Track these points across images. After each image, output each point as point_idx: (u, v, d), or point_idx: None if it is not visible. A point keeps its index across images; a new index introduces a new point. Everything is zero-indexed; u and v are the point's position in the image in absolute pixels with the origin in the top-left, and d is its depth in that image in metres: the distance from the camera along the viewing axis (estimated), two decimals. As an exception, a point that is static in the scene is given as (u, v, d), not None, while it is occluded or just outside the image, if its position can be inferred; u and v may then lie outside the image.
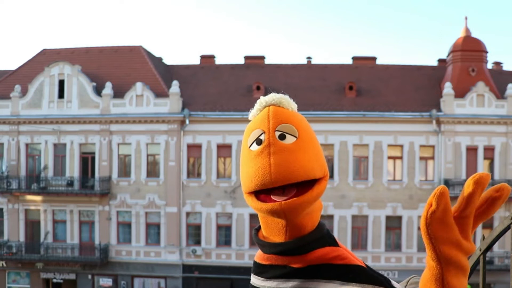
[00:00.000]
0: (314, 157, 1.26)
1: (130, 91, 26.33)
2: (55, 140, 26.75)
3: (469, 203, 1.18)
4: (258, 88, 26.84)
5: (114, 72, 27.72)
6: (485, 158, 25.25)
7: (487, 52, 26.64)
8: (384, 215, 25.41)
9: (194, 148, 26.34)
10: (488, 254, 20.59)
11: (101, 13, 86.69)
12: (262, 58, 29.94)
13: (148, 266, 26.10)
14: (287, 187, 1.22)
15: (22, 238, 26.80)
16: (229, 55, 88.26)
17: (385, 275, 1.30)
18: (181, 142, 26.14)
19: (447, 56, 27.53)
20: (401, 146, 25.54)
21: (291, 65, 29.33)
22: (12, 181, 26.41)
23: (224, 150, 26.18)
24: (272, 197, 1.22)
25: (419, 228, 24.25)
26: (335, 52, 78.61)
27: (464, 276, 1.19)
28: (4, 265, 26.87)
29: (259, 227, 1.39)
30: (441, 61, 29.17)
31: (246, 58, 29.89)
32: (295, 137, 1.24)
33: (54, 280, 26.76)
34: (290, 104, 1.32)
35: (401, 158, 25.65)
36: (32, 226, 27.14)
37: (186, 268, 26.00)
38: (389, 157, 25.68)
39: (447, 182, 24.59)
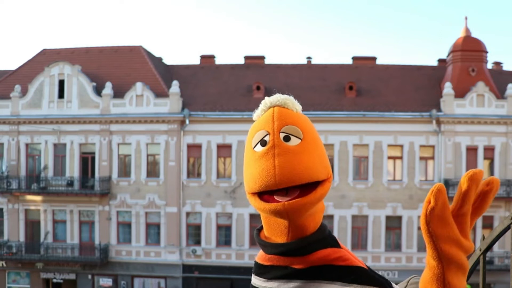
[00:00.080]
0: (318, 159, 1.26)
1: (130, 91, 26.33)
2: (55, 140, 26.75)
3: (466, 200, 1.20)
4: (258, 88, 26.84)
5: (114, 72, 27.72)
6: (485, 158, 25.25)
7: (487, 52, 26.64)
8: (384, 215, 25.41)
9: (194, 148, 26.34)
10: (488, 254, 20.60)
11: (101, 13, 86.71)
12: (262, 58, 29.94)
13: (148, 266, 26.10)
14: (290, 188, 1.22)
15: (22, 238, 26.80)
16: (229, 55, 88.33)
17: (385, 275, 1.30)
18: (181, 142, 26.13)
19: (447, 56, 27.53)
20: (401, 146, 25.55)
21: (291, 65, 29.33)
22: (12, 181, 26.41)
23: (224, 150, 26.18)
24: (275, 198, 1.22)
25: (419, 228, 24.16)
26: (335, 52, 78.65)
27: (464, 276, 1.19)
28: (4, 265, 26.87)
29: (261, 228, 1.39)
30: (441, 61, 29.16)
31: (246, 58, 29.89)
32: (300, 138, 1.25)
33: (54, 280, 26.76)
34: (294, 105, 1.32)
35: (401, 158, 25.65)
36: (32, 226, 27.14)
37: (186, 268, 26.00)
38: (389, 157, 25.68)
39: (447, 182, 24.58)
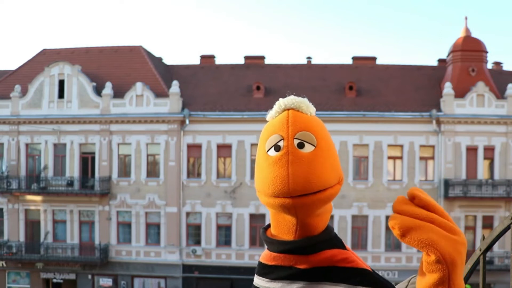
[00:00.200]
0: (330, 166, 1.27)
1: (130, 91, 26.33)
2: (55, 140, 26.75)
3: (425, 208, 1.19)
4: (258, 88, 26.84)
5: (114, 72, 27.72)
6: (485, 158, 25.25)
7: (487, 52, 26.64)
8: (384, 215, 25.39)
9: (194, 148, 26.34)
10: (488, 254, 20.59)
11: (101, 13, 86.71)
12: (262, 58, 29.94)
13: (148, 266, 26.10)
14: None
15: (22, 238, 26.80)
16: (229, 55, 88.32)
17: (385, 275, 1.31)
18: (181, 142, 26.14)
19: (447, 56, 27.53)
20: (401, 146, 25.55)
21: (291, 65, 29.33)
22: (12, 181, 26.41)
23: (224, 150, 26.18)
24: None
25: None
26: (335, 52, 78.65)
27: (462, 273, 1.20)
28: (4, 265, 26.87)
29: (267, 226, 1.40)
30: (441, 61, 29.17)
31: (246, 58, 29.89)
32: (313, 145, 1.25)
33: (54, 280, 26.76)
34: (309, 108, 1.33)
35: (401, 158, 25.65)
36: (32, 226, 27.14)
37: (186, 268, 26.00)
38: (389, 157, 25.68)
39: (447, 182, 24.60)
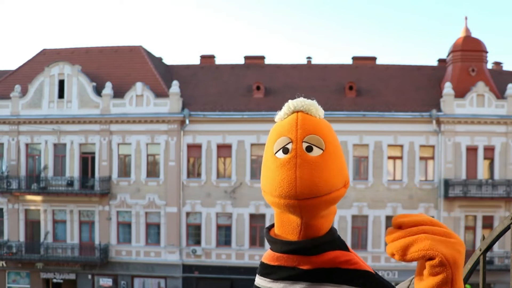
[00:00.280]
0: (337, 170, 1.28)
1: (130, 91, 26.33)
2: (55, 140, 26.75)
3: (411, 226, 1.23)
4: (258, 88, 26.84)
5: (114, 72, 27.72)
6: (485, 158, 25.25)
7: (487, 52, 26.64)
8: (384, 215, 25.40)
9: (194, 148, 26.34)
10: (488, 254, 20.60)
11: (101, 13, 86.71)
12: (262, 58, 29.94)
13: (148, 266, 26.10)
14: None
15: (22, 238, 26.80)
16: (229, 55, 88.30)
17: (385, 275, 1.31)
18: (181, 142, 26.14)
19: (447, 56, 27.53)
20: (401, 146, 25.55)
21: (291, 65, 29.33)
22: (12, 181, 26.40)
23: (224, 150, 26.18)
24: None
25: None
26: (335, 52, 78.63)
27: (462, 274, 1.21)
28: (4, 265, 26.87)
29: (271, 226, 1.41)
30: (441, 61, 29.16)
31: (246, 58, 29.89)
32: (322, 149, 1.26)
33: (54, 280, 26.76)
34: (318, 111, 1.32)
35: (401, 158, 25.65)
36: (32, 226, 27.14)
37: (186, 268, 26.00)
38: (389, 157, 25.68)
39: (447, 182, 24.60)
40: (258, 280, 1.39)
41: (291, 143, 1.26)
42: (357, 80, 27.14)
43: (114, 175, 26.50)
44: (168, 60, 42.86)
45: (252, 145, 25.90)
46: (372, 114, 25.39)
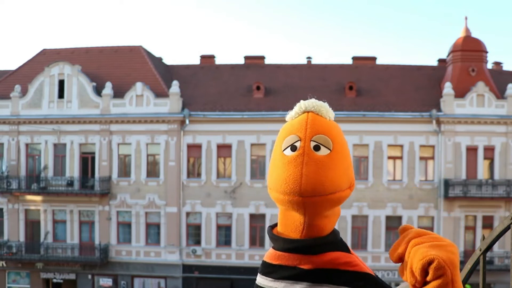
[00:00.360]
0: (343, 171, 1.30)
1: (130, 91, 26.33)
2: (55, 140, 26.75)
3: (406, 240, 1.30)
4: (258, 88, 26.84)
5: (114, 72, 27.72)
6: (485, 158, 25.25)
7: (487, 52, 26.64)
8: (384, 215, 25.41)
9: (194, 148, 26.34)
10: (488, 254, 20.57)
11: (101, 13, 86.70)
12: (262, 58, 29.94)
13: (148, 266, 26.10)
14: None
15: (22, 238, 26.80)
16: (229, 55, 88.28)
17: (385, 275, 1.32)
18: (181, 142, 26.13)
19: (447, 56, 27.53)
20: (401, 146, 25.55)
21: (291, 65, 29.33)
22: (12, 181, 26.40)
23: (224, 150, 26.18)
24: None
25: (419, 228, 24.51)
26: (335, 52, 78.61)
27: (459, 274, 1.23)
28: (4, 265, 26.87)
29: (274, 225, 1.42)
30: (441, 61, 29.16)
31: (246, 58, 29.89)
32: (329, 149, 1.28)
33: (54, 280, 26.76)
34: (328, 113, 1.35)
35: (401, 158, 25.65)
36: (32, 226, 27.14)
37: (186, 268, 26.00)
38: (389, 157, 25.68)
39: (447, 182, 24.59)
40: (260, 279, 1.39)
41: (299, 141, 1.28)
42: (357, 80, 27.14)
43: (114, 175, 26.50)
44: (168, 60, 42.88)
45: (252, 145, 25.90)
46: (372, 114, 25.39)
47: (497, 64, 29.76)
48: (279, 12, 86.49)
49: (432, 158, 25.52)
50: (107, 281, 26.26)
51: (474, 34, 27.18)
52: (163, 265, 26.02)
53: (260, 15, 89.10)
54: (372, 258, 24.86)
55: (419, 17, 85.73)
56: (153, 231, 26.63)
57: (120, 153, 26.67)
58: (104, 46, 29.73)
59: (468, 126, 25.06)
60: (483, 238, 1.89)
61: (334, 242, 1.32)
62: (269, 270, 1.36)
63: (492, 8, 79.32)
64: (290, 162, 1.26)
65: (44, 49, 29.97)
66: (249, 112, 25.78)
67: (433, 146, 25.41)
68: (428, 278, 1.18)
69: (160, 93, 26.55)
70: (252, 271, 23.63)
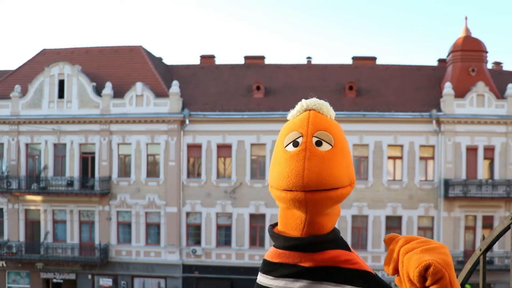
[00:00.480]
0: (344, 167, 1.31)
1: (130, 91, 26.34)
2: (55, 140, 26.75)
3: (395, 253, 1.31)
4: (258, 88, 26.84)
5: (114, 72, 27.72)
6: (485, 158, 25.25)
7: (487, 52, 26.64)
8: (384, 215, 25.41)
9: (194, 148, 26.34)
10: (488, 254, 20.57)
11: (101, 13, 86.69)
12: (262, 58, 29.94)
13: (148, 266, 26.11)
14: None
15: (22, 238, 26.80)
16: (229, 55, 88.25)
17: (385, 275, 1.33)
18: (181, 142, 26.14)
19: (447, 56, 27.53)
20: (401, 146, 25.55)
21: (291, 65, 29.33)
22: (12, 181, 26.41)
23: (224, 150, 26.18)
24: None
25: (419, 228, 24.13)
26: (335, 52, 78.59)
27: (455, 273, 1.24)
28: (4, 265, 26.87)
29: (275, 224, 1.43)
30: (441, 61, 29.16)
31: (246, 58, 29.89)
32: (331, 145, 1.29)
33: (54, 280, 26.76)
34: (329, 111, 1.37)
35: (401, 158, 25.65)
36: (32, 226, 27.14)
37: (186, 268, 26.00)
38: (389, 157, 25.68)
39: (447, 182, 24.59)
40: (260, 277, 1.40)
41: (301, 137, 1.29)
42: (357, 80, 27.14)
43: (114, 175, 26.50)
44: (168, 60, 42.88)
45: (252, 145, 25.91)
46: (372, 114, 25.39)
47: (497, 64, 29.76)
48: (279, 12, 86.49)
49: (432, 158, 25.52)
50: (107, 281, 26.27)
51: (474, 34, 27.19)
52: (163, 265, 26.02)
53: (260, 15, 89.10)
54: (372, 258, 24.87)
55: (419, 17, 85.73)
56: (153, 231, 26.63)
57: (120, 153, 26.67)
58: (104, 46, 29.74)
59: (468, 126, 25.06)
60: (483, 238, 1.88)
61: (334, 240, 1.33)
62: (270, 268, 1.37)
63: (492, 8, 79.33)
64: (292, 157, 1.27)
65: (44, 49, 29.97)
66: (249, 112, 25.78)
67: (433, 146, 25.41)
68: (428, 283, 1.18)
69: (160, 93, 26.55)
70: (252, 271, 23.64)
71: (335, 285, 1.27)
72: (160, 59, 30.78)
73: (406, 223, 25.25)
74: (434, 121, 25.06)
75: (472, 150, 25.14)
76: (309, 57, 30.49)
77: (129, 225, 26.62)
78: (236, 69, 29.02)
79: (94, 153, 26.68)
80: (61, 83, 26.95)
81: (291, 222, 1.33)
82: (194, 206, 26.24)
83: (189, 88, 27.40)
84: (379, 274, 1.33)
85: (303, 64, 29.88)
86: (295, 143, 1.29)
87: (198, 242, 26.33)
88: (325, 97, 1.40)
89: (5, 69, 31.32)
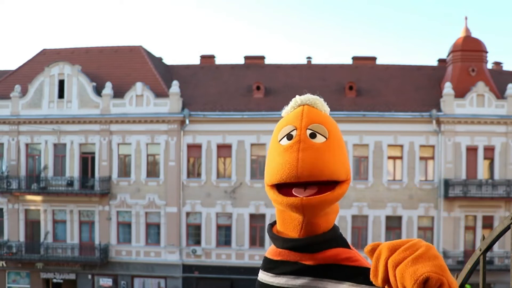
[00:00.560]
0: (340, 160, 1.30)
1: (130, 91, 26.33)
2: (55, 140, 26.75)
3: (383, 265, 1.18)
4: (258, 88, 26.84)
5: (114, 72, 27.72)
6: (485, 158, 25.24)
7: (487, 52, 26.64)
8: (384, 215, 25.41)
9: (194, 148, 26.34)
10: (488, 254, 20.60)
11: (101, 13, 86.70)
12: (262, 58, 29.94)
13: (148, 266, 26.10)
14: (309, 185, 1.25)
15: (22, 238, 26.80)
16: (229, 55, 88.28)
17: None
18: (181, 142, 26.13)
19: (447, 56, 27.53)
20: (401, 146, 25.54)
21: (291, 65, 29.33)
22: (12, 181, 26.40)
23: (224, 150, 26.18)
24: (294, 192, 1.26)
25: (419, 228, 24.11)
26: (335, 52, 78.61)
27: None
28: (4, 265, 26.86)
29: (273, 223, 1.42)
30: (441, 61, 29.16)
31: (246, 58, 29.89)
32: (325, 137, 1.29)
33: (54, 280, 26.76)
34: (323, 106, 1.38)
35: (401, 158, 25.65)
36: (32, 226, 27.14)
37: (186, 268, 26.00)
38: (389, 157, 25.68)
39: (447, 182, 24.59)
40: (261, 275, 1.40)
41: (295, 130, 1.29)
42: (357, 80, 27.14)
43: (114, 175, 26.50)
44: (168, 60, 42.90)
45: (252, 145, 25.90)
46: (372, 114, 25.39)
47: (497, 64, 29.75)
48: (279, 12, 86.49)
49: (432, 158, 25.52)
50: (107, 281, 26.26)
51: (474, 34, 27.19)
52: (163, 265, 26.02)
53: (260, 15, 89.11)
54: (372, 258, 24.85)
55: (419, 17, 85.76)
56: (153, 231, 26.63)
57: (120, 153, 26.67)
58: (104, 46, 29.74)
59: (468, 126, 25.06)
60: (483, 238, 1.88)
61: (334, 238, 1.32)
62: (271, 265, 1.36)
63: (492, 8, 79.34)
64: (286, 150, 1.26)
65: (44, 49, 29.97)
66: (249, 112, 25.78)
67: (433, 146, 25.41)
68: None
69: (160, 93, 26.55)
70: (252, 271, 23.64)
71: (336, 282, 1.27)
72: (160, 59, 30.78)
73: (406, 223, 25.25)
74: (434, 121, 25.05)
75: (472, 150, 25.14)
76: (309, 57, 30.49)
77: (129, 225, 26.62)
78: (236, 69, 29.02)
79: (94, 153, 26.68)
80: (61, 83, 26.95)
81: (289, 224, 1.32)
82: (194, 206, 26.23)
83: (189, 88, 27.40)
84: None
85: (303, 64, 29.88)
86: (289, 136, 1.28)
87: (198, 242, 26.33)
88: (325, 97, 1.40)
89: (5, 69, 31.33)
